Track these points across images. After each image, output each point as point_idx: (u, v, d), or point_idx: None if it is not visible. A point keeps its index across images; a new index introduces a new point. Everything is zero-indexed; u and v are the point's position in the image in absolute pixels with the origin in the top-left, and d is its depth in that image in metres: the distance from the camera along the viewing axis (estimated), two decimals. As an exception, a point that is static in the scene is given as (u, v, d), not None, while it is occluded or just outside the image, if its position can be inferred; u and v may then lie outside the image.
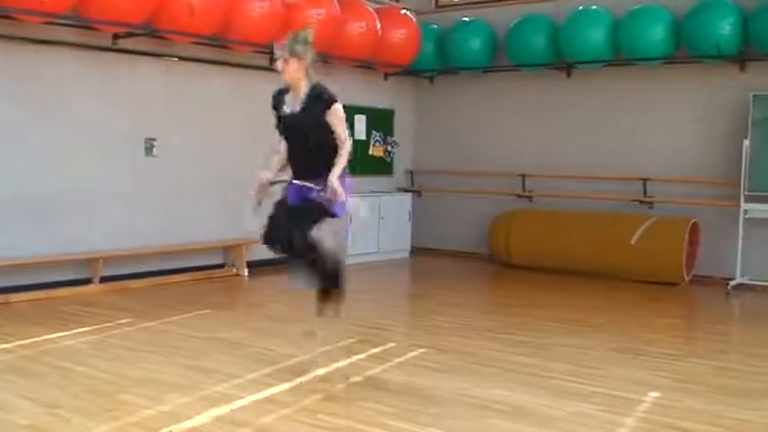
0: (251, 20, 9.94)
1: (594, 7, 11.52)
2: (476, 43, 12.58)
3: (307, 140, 5.67)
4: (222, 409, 5.25)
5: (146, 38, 9.66)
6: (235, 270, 10.90)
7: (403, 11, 12.56)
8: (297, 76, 5.60)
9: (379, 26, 11.68)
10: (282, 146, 5.91)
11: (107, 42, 9.44)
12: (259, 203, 5.87)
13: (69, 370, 6.13)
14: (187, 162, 10.43)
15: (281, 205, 5.84)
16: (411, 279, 11.92)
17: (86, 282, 9.39)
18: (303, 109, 5.61)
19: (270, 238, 5.80)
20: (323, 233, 5.65)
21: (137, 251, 9.84)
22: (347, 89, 12.39)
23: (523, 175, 12.58)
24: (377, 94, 12.97)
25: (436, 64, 13.11)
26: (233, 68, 10.90)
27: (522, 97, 12.73)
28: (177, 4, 9.15)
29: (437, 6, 13.88)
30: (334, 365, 6.27)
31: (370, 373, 6.23)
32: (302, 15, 10.50)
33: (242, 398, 5.51)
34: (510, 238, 11.97)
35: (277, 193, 5.96)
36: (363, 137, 12.68)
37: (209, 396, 5.55)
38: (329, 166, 5.58)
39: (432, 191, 13.64)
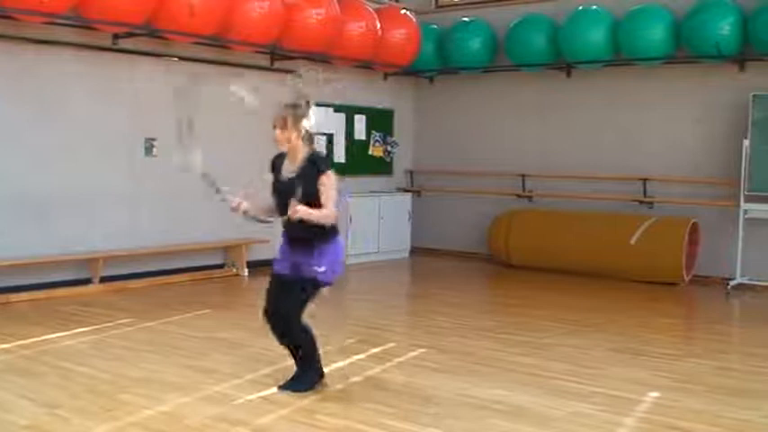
0: (251, 20, 9.94)
1: (594, 7, 11.52)
2: (476, 43, 12.58)
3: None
4: (222, 409, 5.26)
5: (146, 38, 9.66)
6: (235, 270, 10.90)
7: (403, 11, 12.56)
8: (292, 144, 5.59)
9: (378, 26, 11.67)
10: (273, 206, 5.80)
11: (107, 42, 9.44)
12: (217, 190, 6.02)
13: (69, 370, 6.13)
14: (187, 162, 10.42)
15: (272, 282, 5.79)
16: (411, 279, 11.92)
17: (86, 282, 9.39)
18: (298, 175, 5.53)
19: (265, 314, 5.73)
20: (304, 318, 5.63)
21: (137, 251, 9.85)
22: (347, 89, 12.46)
23: (523, 175, 12.58)
24: (377, 94, 12.97)
25: (436, 64, 13.11)
26: (233, 68, 10.89)
27: (522, 97, 12.72)
28: (177, 5, 9.16)
29: (437, 6, 13.88)
30: (334, 366, 6.27)
31: (370, 373, 6.23)
32: (302, 15, 10.51)
33: (241, 398, 5.51)
34: (510, 238, 11.97)
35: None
36: (363, 137, 12.69)
37: (208, 396, 5.55)
38: (318, 238, 5.51)
39: (431, 191, 13.64)
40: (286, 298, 5.57)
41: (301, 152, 5.60)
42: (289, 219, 5.41)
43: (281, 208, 5.55)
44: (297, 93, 5.67)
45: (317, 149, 5.80)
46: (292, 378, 5.76)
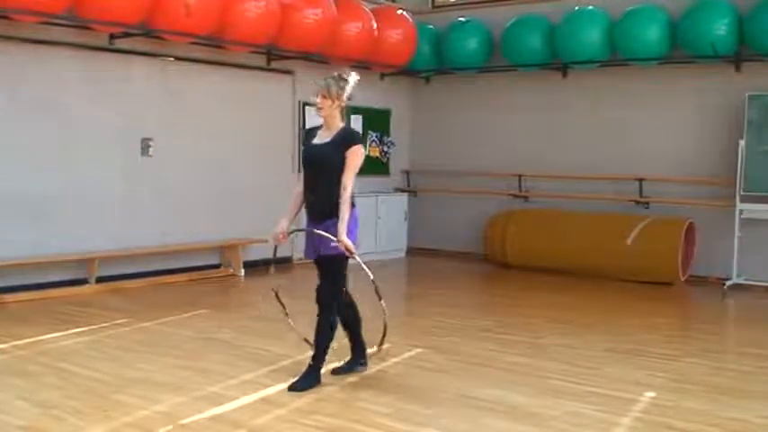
0: (247, 20, 9.94)
1: (590, 7, 11.54)
2: (472, 43, 12.59)
3: (322, 173, 5.85)
4: (218, 410, 5.26)
5: (142, 38, 9.66)
6: (231, 270, 10.89)
7: (399, 11, 12.57)
8: (330, 114, 5.89)
9: (375, 26, 11.68)
10: (300, 182, 6.12)
11: (104, 42, 9.45)
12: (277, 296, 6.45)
13: (65, 370, 6.13)
14: (183, 162, 10.44)
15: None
16: (407, 279, 11.91)
17: (82, 282, 9.39)
18: (330, 143, 5.86)
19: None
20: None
21: (133, 251, 9.84)
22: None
23: (519, 175, 12.59)
24: (373, 95, 12.96)
25: (432, 64, 13.12)
26: (229, 68, 10.90)
27: (518, 97, 12.73)
28: (173, 5, 9.15)
29: (433, 7, 13.89)
30: (330, 366, 6.27)
31: (367, 373, 6.22)
32: (299, 16, 10.51)
33: (237, 398, 5.51)
34: (506, 238, 11.98)
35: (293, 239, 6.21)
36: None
37: (204, 396, 5.55)
38: (336, 210, 5.80)
39: (428, 191, 13.64)
40: (323, 282, 5.97)
41: (337, 124, 5.92)
42: (312, 193, 5.89)
43: (309, 172, 5.94)
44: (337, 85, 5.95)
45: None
46: (348, 362, 6.21)
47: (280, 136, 11.73)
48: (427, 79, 13.62)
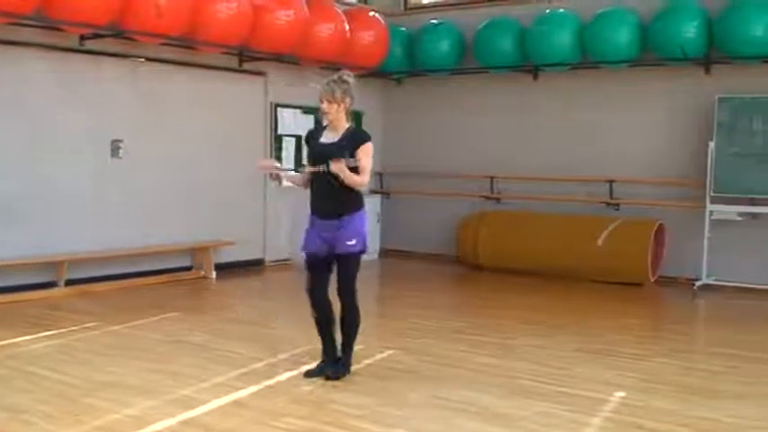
0: (218, 21, 9.89)
1: (561, 10, 11.60)
2: (444, 46, 12.62)
3: (330, 172, 5.88)
4: (189, 413, 5.23)
5: (112, 39, 9.59)
6: (202, 272, 10.85)
7: (371, 13, 12.57)
8: (337, 117, 6.02)
9: (347, 28, 11.66)
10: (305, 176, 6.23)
11: (74, 43, 9.37)
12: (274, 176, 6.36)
13: (34, 374, 6.08)
14: (154, 164, 10.38)
15: (312, 262, 6.16)
16: (379, 281, 11.90)
17: (51, 285, 9.31)
18: (338, 142, 5.99)
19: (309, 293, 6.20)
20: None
21: (103, 254, 9.77)
22: (315, 91, 12.42)
23: (491, 177, 12.63)
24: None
25: (405, 66, 13.14)
26: (200, 69, 10.86)
27: (489, 99, 12.77)
28: (144, 5, 9.09)
29: (406, 9, 13.90)
30: (303, 367, 6.26)
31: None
32: (271, 17, 10.48)
33: (209, 401, 5.49)
34: (478, 239, 12.01)
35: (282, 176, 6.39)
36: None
37: (175, 400, 5.52)
38: (348, 209, 6.01)
39: (400, 193, 13.65)
40: (340, 281, 6.07)
41: (343, 124, 6.06)
42: (320, 192, 6.02)
43: (318, 177, 6.00)
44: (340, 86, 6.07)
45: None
46: (335, 363, 6.16)
47: (251, 137, 11.69)
48: (399, 81, 13.63)
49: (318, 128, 6.26)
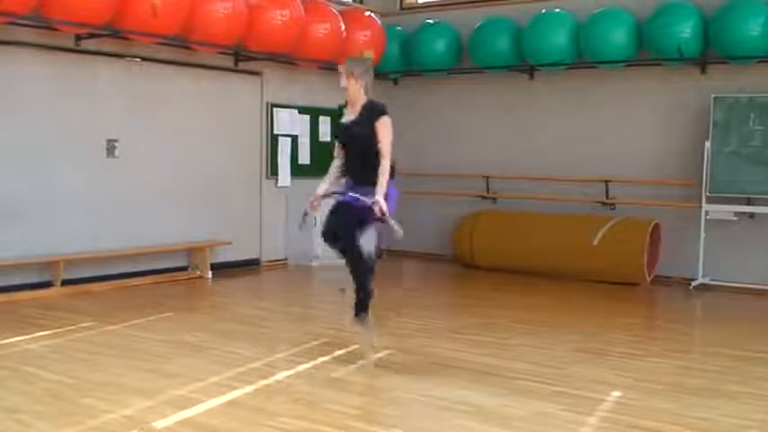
0: (214, 20, 9.89)
1: (557, 10, 11.60)
2: (440, 45, 12.63)
3: (357, 147, 6.44)
4: (185, 413, 5.23)
5: (108, 39, 9.58)
6: (198, 273, 10.84)
7: (367, 13, 12.57)
8: (355, 93, 6.47)
9: (343, 28, 11.66)
10: (339, 157, 6.71)
11: (69, 43, 9.36)
12: (306, 214, 6.83)
13: (30, 374, 6.07)
14: (150, 163, 10.37)
15: (336, 208, 6.61)
16: (376, 280, 11.88)
17: (47, 285, 9.29)
18: (357, 119, 6.43)
19: (324, 235, 6.64)
20: (365, 237, 6.49)
21: (99, 254, 9.76)
22: (311, 91, 12.45)
23: (487, 177, 12.64)
24: (341, 96, 12.89)
25: (401, 66, 13.14)
26: (196, 69, 10.85)
27: (485, 99, 12.78)
28: (140, 5, 9.08)
29: (401, 8, 13.90)
30: (300, 367, 6.26)
31: (335, 374, 6.22)
32: (266, 16, 10.48)
33: (204, 401, 5.48)
34: (474, 239, 12.01)
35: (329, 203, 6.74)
36: (328, 139, 12.64)
37: (171, 400, 5.52)
38: (377, 174, 6.30)
39: (397, 192, 13.61)
40: (351, 220, 6.40)
41: (360, 101, 6.47)
42: (352, 166, 6.48)
43: (346, 147, 6.53)
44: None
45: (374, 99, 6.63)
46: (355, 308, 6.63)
47: (248, 137, 11.69)
48: (395, 81, 13.63)
49: (342, 107, 6.77)
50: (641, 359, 6.94)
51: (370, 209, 6.26)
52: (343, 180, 6.68)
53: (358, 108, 6.47)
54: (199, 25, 9.77)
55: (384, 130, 6.36)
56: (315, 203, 6.70)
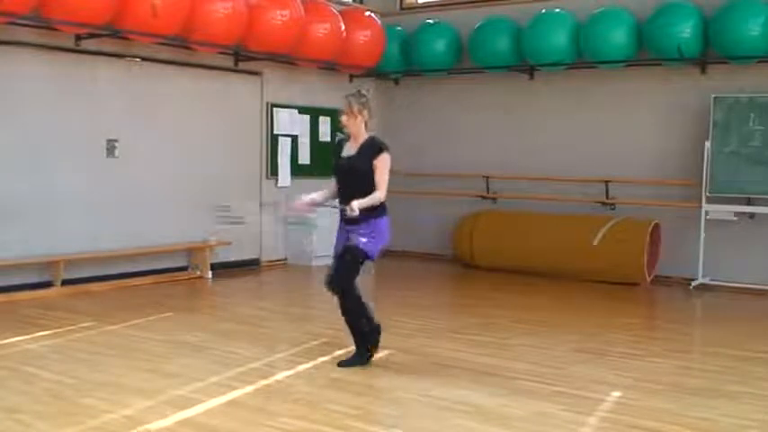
0: (214, 21, 9.89)
1: (557, 10, 11.60)
2: (440, 45, 12.63)
3: (350, 184, 6.35)
4: (185, 413, 5.22)
5: (108, 39, 9.58)
6: (198, 273, 10.84)
7: (367, 13, 12.57)
8: (356, 129, 6.43)
9: (343, 28, 11.66)
10: (334, 185, 6.61)
11: (69, 43, 9.36)
12: (287, 217, 6.81)
13: (31, 374, 6.07)
14: (149, 163, 10.37)
15: (341, 253, 6.52)
16: (375, 281, 11.88)
17: (47, 285, 9.29)
18: (357, 154, 6.38)
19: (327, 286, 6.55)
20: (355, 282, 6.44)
21: (99, 254, 9.76)
22: (311, 91, 12.44)
23: (487, 177, 12.63)
24: (342, 96, 12.92)
25: (401, 66, 13.14)
26: (196, 69, 10.85)
27: (485, 99, 12.78)
28: (140, 5, 9.08)
29: (402, 8, 13.90)
30: (300, 367, 6.26)
31: (335, 375, 6.22)
32: (267, 17, 10.48)
33: (204, 401, 5.48)
34: (474, 239, 12.01)
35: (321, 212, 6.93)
36: (328, 139, 12.64)
37: (171, 400, 5.52)
38: (371, 212, 6.27)
39: (397, 192, 13.48)
40: (342, 265, 6.40)
41: (362, 136, 6.44)
42: (345, 199, 6.30)
43: (342, 183, 6.46)
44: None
45: (376, 136, 6.60)
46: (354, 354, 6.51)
47: (248, 137, 11.69)
48: (396, 81, 13.63)
49: (343, 140, 6.59)
50: (641, 359, 6.94)
51: (358, 247, 6.29)
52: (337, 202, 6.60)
53: (359, 143, 6.44)
54: (199, 25, 9.78)
55: (382, 167, 6.32)
56: (301, 206, 6.63)
